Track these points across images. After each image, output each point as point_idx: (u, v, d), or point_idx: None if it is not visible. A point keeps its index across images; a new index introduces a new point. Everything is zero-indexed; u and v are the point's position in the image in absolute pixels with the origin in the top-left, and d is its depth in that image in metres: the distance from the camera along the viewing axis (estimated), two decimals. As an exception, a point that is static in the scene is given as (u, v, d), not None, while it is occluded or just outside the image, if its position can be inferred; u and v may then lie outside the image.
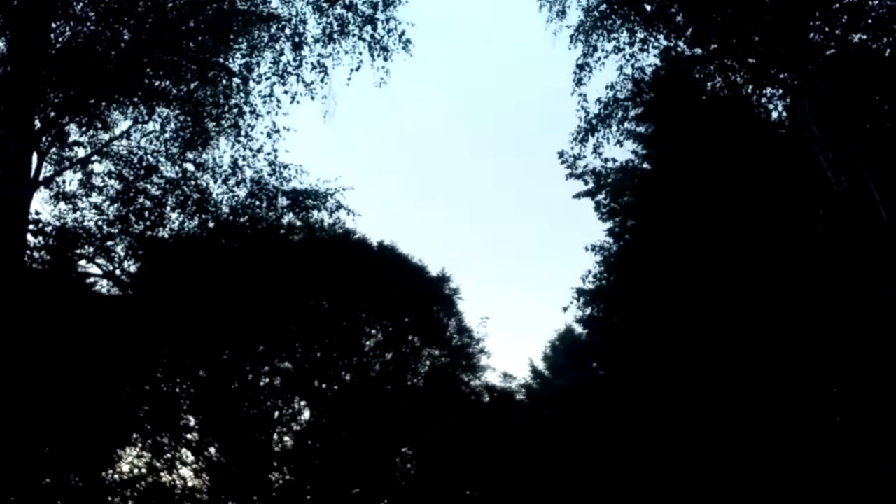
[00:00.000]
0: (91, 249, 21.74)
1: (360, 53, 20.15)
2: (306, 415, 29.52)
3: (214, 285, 24.07)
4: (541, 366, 38.97)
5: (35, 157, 19.37)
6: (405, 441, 30.01)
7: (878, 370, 18.18)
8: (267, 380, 29.08)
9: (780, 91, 21.42)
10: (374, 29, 19.88)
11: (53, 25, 18.57)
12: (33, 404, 22.19)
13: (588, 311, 28.00)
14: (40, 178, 20.01)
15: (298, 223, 26.47)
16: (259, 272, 25.53)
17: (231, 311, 25.10)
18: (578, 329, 35.11)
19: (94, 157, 21.90)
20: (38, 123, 19.29)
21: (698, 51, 21.28)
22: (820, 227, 19.00)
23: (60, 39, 18.80)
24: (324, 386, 29.14)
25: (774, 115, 23.34)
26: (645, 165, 25.39)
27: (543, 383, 37.33)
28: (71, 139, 21.59)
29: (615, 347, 27.01)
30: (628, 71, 21.56)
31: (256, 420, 28.49)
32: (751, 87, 21.74)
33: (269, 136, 21.25)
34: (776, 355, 21.26)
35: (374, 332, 30.64)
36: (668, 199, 23.65)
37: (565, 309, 26.43)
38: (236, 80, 20.69)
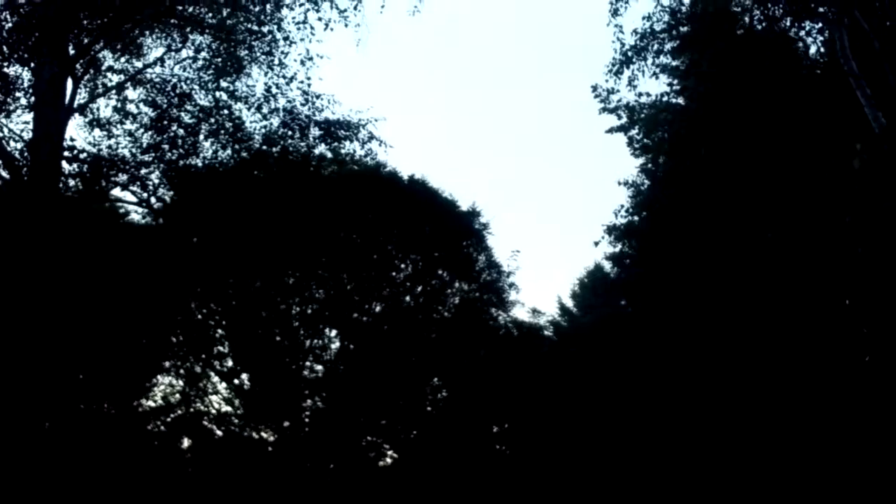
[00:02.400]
0: (125, 177, 21.79)
1: (395, -21, 19.93)
2: (337, 344, 29.88)
3: (247, 215, 24.19)
4: (569, 303, 39.09)
5: (70, 83, 19.43)
6: (435, 372, 30.29)
7: None
8: (298, 309, 29.36)
9: (819, 25, 21.05)
10: (409, -47, 19.64)
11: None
12: (68, 332, 22.56)
13: (618, 247, 27.98)
14: (75, 104, 20.08)
15: (329, 155, 26.43)
16: (291, 203, 25.61)
17: (263, 241, 25.25)
18: (607, 266, 35.19)
19: (128, 84, 21.88)
20: (72, 50, 19.32)
21: (737, -19, 20.94)
22: (856, 161, 18.76)
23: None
24: (354, 316, 29.39)
25: (813, 49, 22.99)
26: (679, 101, 25.10)
27: (571, 320, 37.45)
28: (105, 66, 21.59)
29: (644, 284, 27.00)
30: (665, 2, 21.28)
31: (288, 349, 28.85)
32: (789, 20, 21.39)
33: (302, 63, 21.19)
34: (805, 298, 21.21)
35: (403, 265, 30.77)
36: (701, 135, 23.42)
37: (596, 244, 26.31)
38: (269, 6, 20.61)
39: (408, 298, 30.51)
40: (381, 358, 28.20)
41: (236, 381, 29.23)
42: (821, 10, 20.09)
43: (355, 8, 19.91)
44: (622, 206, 26.34)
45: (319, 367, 29.48)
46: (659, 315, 25.31)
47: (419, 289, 30.62)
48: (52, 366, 19.84)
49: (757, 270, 21.85)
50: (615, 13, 20.98)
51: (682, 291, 24.27)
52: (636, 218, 26.38)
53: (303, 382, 28.89)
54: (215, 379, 29.36)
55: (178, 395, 29.61)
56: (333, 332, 29.70)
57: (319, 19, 20.12)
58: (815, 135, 21.09)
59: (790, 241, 21.24)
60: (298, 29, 20.61)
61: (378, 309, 29.84)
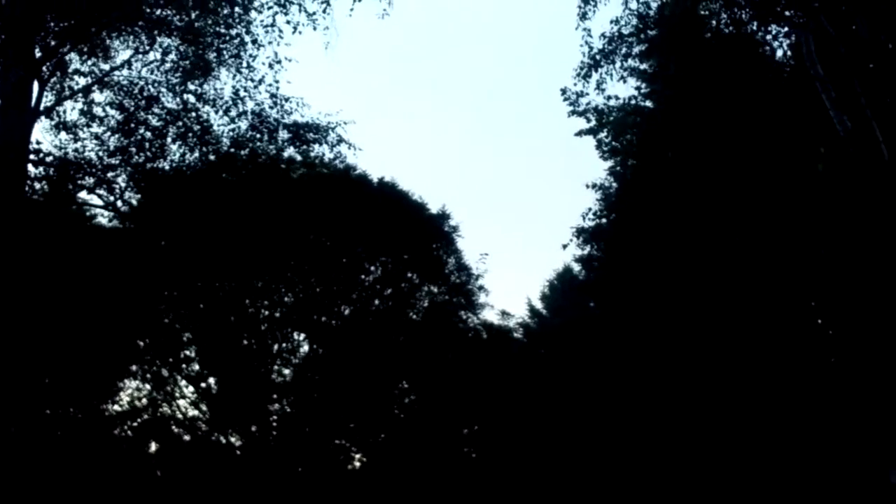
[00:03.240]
0: (91, 180, 21.60)
1: (364, -18, 19.77)
2: (305, 348, 29.79)
3: (215, 218, 24.06)
4: (539, 305, 39.24)
5: (36, 85, 19.22)
6: (404, 375, 30.28)
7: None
8: (266, 313, 29.25)
9: (786, 29, 21.28)
10: (378, -44, 19.56)
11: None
12: (33, 335, 22.31)
13: (587, 249, 28.08)
14: (41, 107, 19.86)
15: (299, 157, 26.36)
16: (259, 206, 25.52)
17: (231, 245, 25.13)
18: (576, 269, 35.35)
19: (95, 87, 21.70)
20: (38, 52, 19.12)
21: (704, -14, 21.12)
22: (820, 164, 18.98)
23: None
24: (323, 319, 29.32)
25: (779, 53, 23.20)
26: (647, 104, 25.27)
27: (541, 322, 37.60)
28: (72, 68, 21.38)
29: (612, 286, 27.12)
30: (633, 6, 21.45)
31: (256, 352, 28.72)
32: (756, 24, 21.61)
33: (270, 66, 21.18)
34: (769, 303, 21.40)
35: (373, 268, 30.74)
36: (669, 138, 23.59)
37: (565, 246, 26.45)
38: (237, 9, 20.52)
39: (377, 301, 30.49)
40: (350, 361, 28.14)
41: (203, 385, 29.06)
42: (787, 13, 20.28)
43: (324, 11, 19.88)
44: (590, 210, 26.48)
45: (287, 371, 29.42)
46: (626, 316, 25.45)
47: (388, 291, 30.60)
48: (17, 369, 19.59)
49: (722, 272, 22.01)
50: (583, 17, 21.08)
51: (649, 292, 24.40)
52: (604, 221, 26.52)
53: (271, 386, 28.78)
54: (182, 383, 29.17)
55: (144, 400, 29.39)
56: (302, 336, 29.62)
57: (288, 22, 20.13)
58: (780, 137, 21.29)
59: (755, 243, 21.42)
60: (267, 32, 20.62)
61: (347, 312, 29.82)
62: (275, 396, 28.92)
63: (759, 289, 21.23)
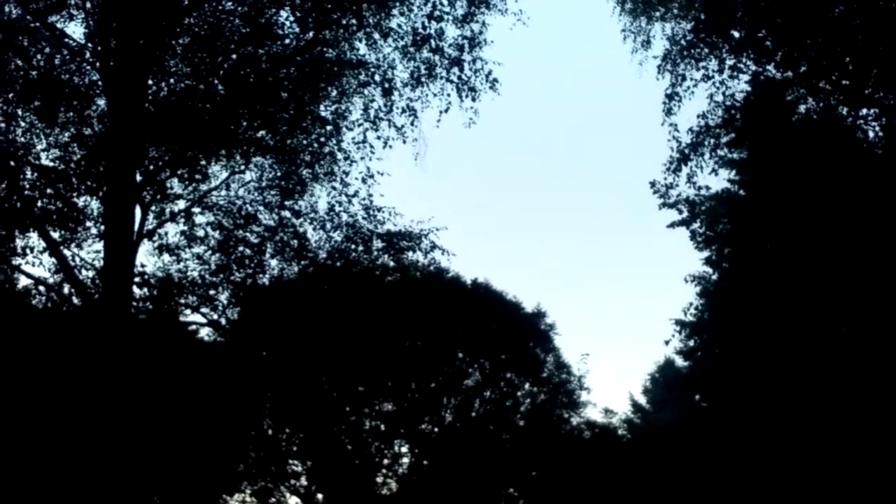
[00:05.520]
0: (194, 299, 22.22)
1: (449, 95, 20.07)
2: (408, 458, 29.60)
3: (313, 328, 24.38)
4: (641, 399, 38.55)
5: (138, 210, 19.91)
6: (510, 482, 29.79)
7: None
8: (369, 423, 29.21)
9: (876, 111, 20.90)
10: (462, 70, 19.80)
11: (150, 82, 19.14)
12: (143, 450, 22.68)
13: (690, 342, 27.58)
14: (144, 230, 20.52)
15: (392, 263, 26.64)
16: (356, 314, 25.78)
17: (331, 354, 25.38)
18: (679, 361, 34.70)
19: (194, 208, 22.41)
20: (139, 177, 19.85)
21: (789, 74, 20.94)
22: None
23: (159, 94, 19.36)
24: (425, 428, 29.17)
25: (871, 134, 22.77)
26: (740, 192, 24.97)
27: (645, 417, 36.86)
28: (171, 191, 22.13)
29: (718, 379, 26.47)
30: (719, 98, 21.36)
31: (361, 464, 28.62)
32: (845, 108, 21.28)
33: (363, 181, 21.53)
34: (885, 395, 20.58)
35: (471, 370, 30.60)
36: (765, 225, 23.16)
37: (667, 342, 26.10)
38: (329, 127, 21.08)
39: (477, 404, 30.24)
40: (455, 470, 27.81)
41: (312, 500, 29.00)
42: (876, 95, 19.98)
43: (412, 123, 20.20)
44: (690, 304, 26.07)
45: (392, 483, 29.18)
46: (735, 410, 24.70)
47: (488, 394, 30.37)
48: (124, 483, 19.90)
49: (833, 364, 21.28)
50: (669, 112, 21.13)
51: (757, 385, 23.71)
52: (705, 314, 26.03)
53: (377, 499, 28.56)
54: (288, 495, 29.18)
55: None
56: (406, 446, 29.45)
57: (378, 138, 20.44)
58: (878, 218, 20.73)
59: (865, 334, 20.70)
60: (358, 148, 20.97)
61: (448, 419, 29.60)
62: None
63: (872, 383, 20.43)
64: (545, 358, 31.59)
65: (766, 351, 23.28)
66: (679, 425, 29.77)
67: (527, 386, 31.12)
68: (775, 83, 21.23)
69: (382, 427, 28.98)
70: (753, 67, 21.04)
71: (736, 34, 20.46)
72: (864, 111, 21.05)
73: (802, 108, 21.99)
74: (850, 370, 20.94)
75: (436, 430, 29.27)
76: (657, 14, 22.15)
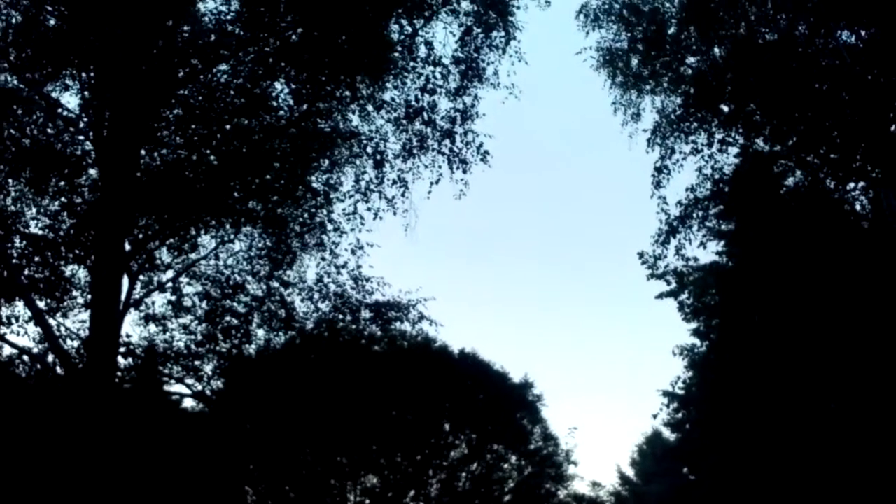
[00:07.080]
0: (179, 369, 21.92)
1: (440, 166, 20.06)
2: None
3: (299, 398, 24.09)
4: (629, 471, 38.25)
5: (126, 279, 19.70)
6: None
7: None
8: (354, 497, 28.72)
9: (864, 184, 21.09)
10: (453, 142, 19.83)
11: (142, 152, 19.07)
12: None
13: (678, 415, 27.46)
14: (131, 300, 20.29)
15: (380, 333, 26.43)
16: (342, 383, 25.52)
17: (315, 425, 25.05)
18: (666, 432, 34.47)
19: (182, 277, 22.19)
20: (128, 246, 19.67)
21: (778, 147, 21.15)
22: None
23: (151, 164, 19.29)
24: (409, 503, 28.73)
25: (858, 206, 22.94)
26: (728, 264, 25.04)
27: (633, 490, 36.48)
28: (159, 261, 21.91)
29: (707, 452, 26.28)
30: (707, 171, 21.62)
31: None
32: (833, 181, 21.46)
33: (353, 252, 21.46)
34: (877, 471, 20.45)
35: (458, 441, 30.27)
36: (753, 298, 23.20)
37: (655, 416, 25.93)
38: (320, 198, 21.00)
39: (463, 477, 29.84)
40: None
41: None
42: (865, 169, 20.16)
43: (402, 195, 20.17)
44: (678, 378, 25.99)
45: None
46: (726, 485, 24.47)
47: (474, 466, 29.99)
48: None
49: (821, 439, 21.15)
50: (658, 185, 21.30)
51: (746, 458, 23.52)
52: (694, 388, 25.94)
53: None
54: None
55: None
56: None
57: (369, 209, 20.41)
58: (865, 290, 20.78)
59: (854, 408, 20.61)
60: (349, 219, 20.93)
61: (434, 493, 29.16)
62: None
63: (862, 458, 20.28)
64: (532, 429, 31.36)
65: (754, 424, 23.15)
66: (668, 498, 29.46)
67: (513, 458, 30.77)
68: (764, 156, 21.43)
69: (367, 502, 28.48)
70: (742, 141, 21.29)
71: (725, 108, 20.69)
72: (852, 184, 21.26)
73: (791, 180, 22.22)
74: (839, 446, 20.80)
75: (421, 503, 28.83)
76: (647, 87, 22.41)
